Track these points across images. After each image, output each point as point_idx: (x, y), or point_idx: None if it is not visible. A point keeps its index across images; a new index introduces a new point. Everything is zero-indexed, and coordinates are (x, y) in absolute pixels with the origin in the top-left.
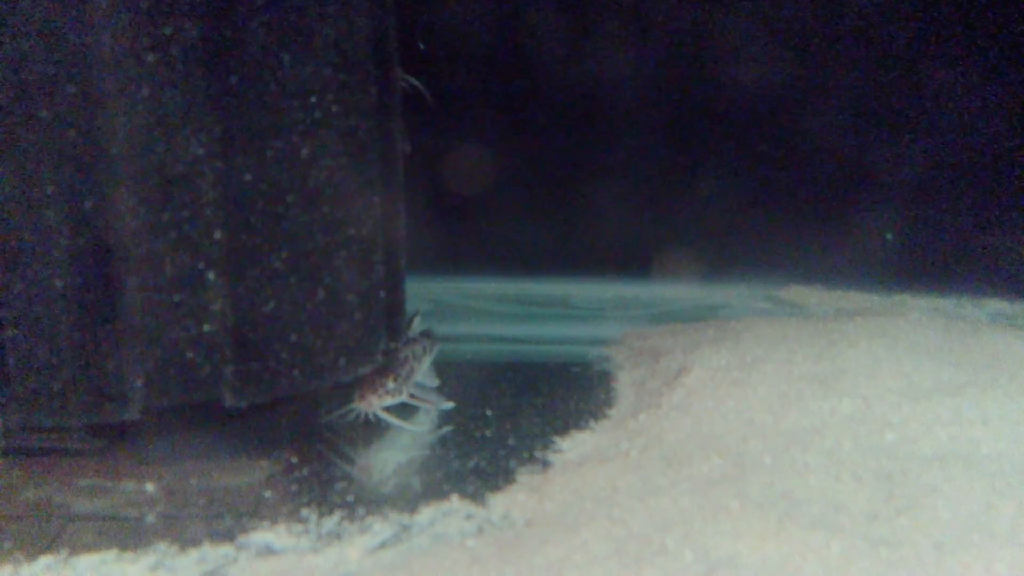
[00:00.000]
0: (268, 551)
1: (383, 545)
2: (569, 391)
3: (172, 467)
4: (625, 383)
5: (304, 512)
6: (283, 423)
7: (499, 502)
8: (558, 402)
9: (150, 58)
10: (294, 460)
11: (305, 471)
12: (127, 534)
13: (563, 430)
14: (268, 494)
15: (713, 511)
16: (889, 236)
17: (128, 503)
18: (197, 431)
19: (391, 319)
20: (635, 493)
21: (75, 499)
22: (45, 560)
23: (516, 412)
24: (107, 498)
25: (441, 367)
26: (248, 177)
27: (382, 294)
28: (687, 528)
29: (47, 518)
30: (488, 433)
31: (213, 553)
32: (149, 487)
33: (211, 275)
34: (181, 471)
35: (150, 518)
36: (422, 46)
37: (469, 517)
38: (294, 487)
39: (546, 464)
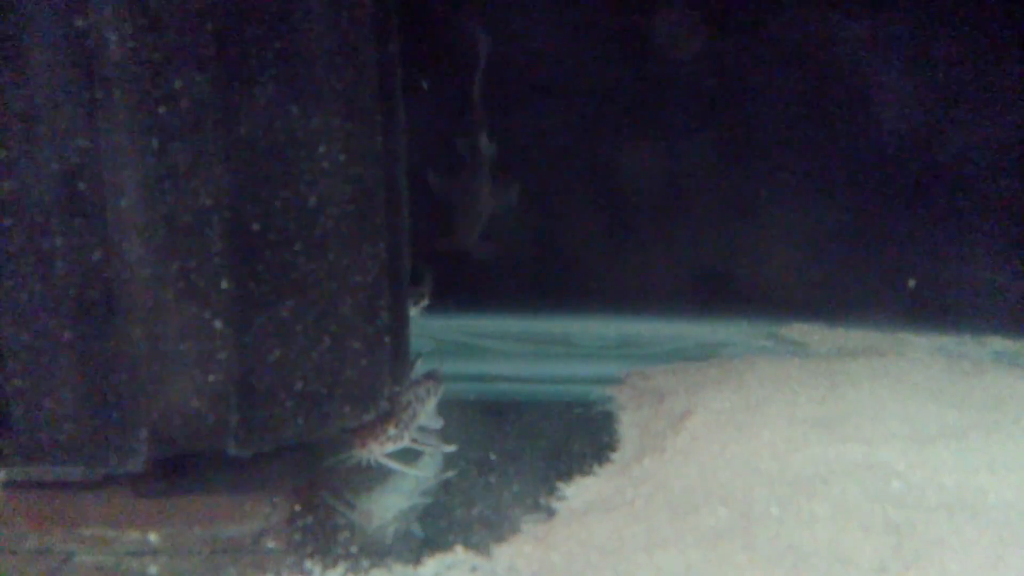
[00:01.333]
0: None
1: None
2: (572, 433)
3: (174, 516)
4: (628, 425)
5: (308, 564)
6: (285, 470)
7: (504, 553)
8: (562, 445)
9: (160, 110)
10: (297, 508)
11: (308, 519)
12: None
13: (567, 475)
14: (271, 544)
15: (720, 565)
16: (912, 283)
17: (131, 553)
18: (199, 478)
19: (395, 364)
20: (641, 545)
21: (78, 548)
22: None
23: (519, 456)
24: (110, 548)
25: (443, 407)
26: (256, 227)
27: (387, 340)
28: None
29: (51, 568)
30: (492, 479)
31: None
32: (152, 537)
33: (218, 324)
34: (183, 520)
35: (153, 569)
36: (425, 85)
37: (474, 570)
38: (297, 536)
39: (551, 512)
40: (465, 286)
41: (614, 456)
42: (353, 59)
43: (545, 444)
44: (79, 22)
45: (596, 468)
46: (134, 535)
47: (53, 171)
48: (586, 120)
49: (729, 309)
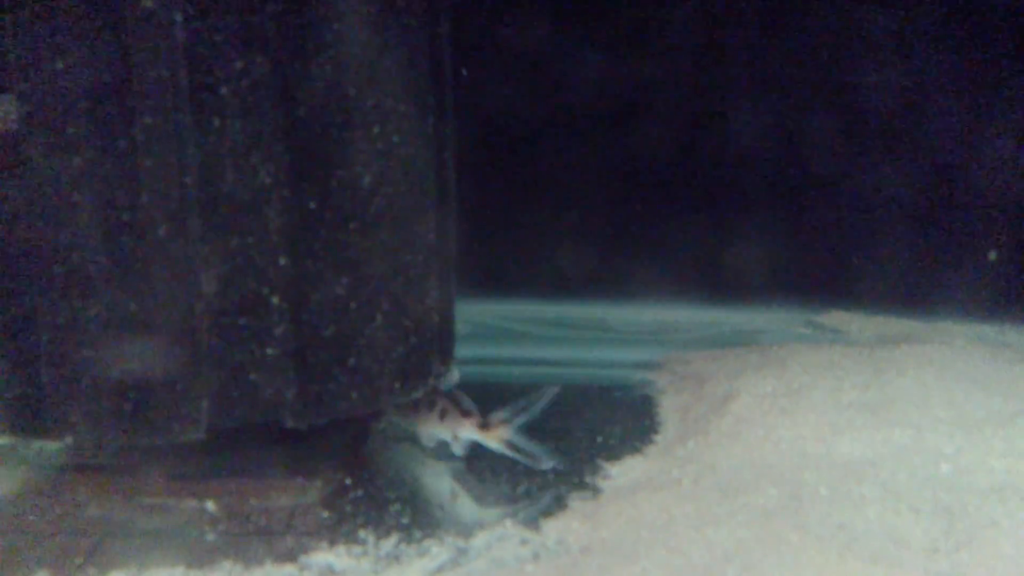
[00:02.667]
0: (330, 572)
1: (441, 568)
2: (613, 416)
3: (230, 486)
4: (669, 408)
5: (362, 533)
6: (334, 445)
7: (553, 528)
8: (603, 427)
9: (223, 91)
10: (348, 481)
11: (359, 492)
12: (191, 552)
13: (611, 456)
14: (325, 515)
15: (772, 543)
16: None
17: (189, 521)
18: (252, 451)
19: (443, 343)
20: (691, 523)
21: (138, 516)
22: (117, 574)
23: (563, 436)
24: (169, 516)
25: (484, 389)
26: (313, 205)
27: (436, 318)
28: (747, 560)
29: (112, 534)
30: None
31: (277, 572)
32: (209, 506)
33: (275, 300)
34: (239, 490)
35: (211, 536)
36: (464, 72)
37: (524, 542)
38: (349, 508)
39: (596, 490)
40: (501, 272)
41: (656, 438)
42: (406, 41)
43: (587, 426)
44: (147, 2)
45: (640, 449)
46: (192, 504)
47: (120, 148)
48: (620, 105)
49: (765, 296)
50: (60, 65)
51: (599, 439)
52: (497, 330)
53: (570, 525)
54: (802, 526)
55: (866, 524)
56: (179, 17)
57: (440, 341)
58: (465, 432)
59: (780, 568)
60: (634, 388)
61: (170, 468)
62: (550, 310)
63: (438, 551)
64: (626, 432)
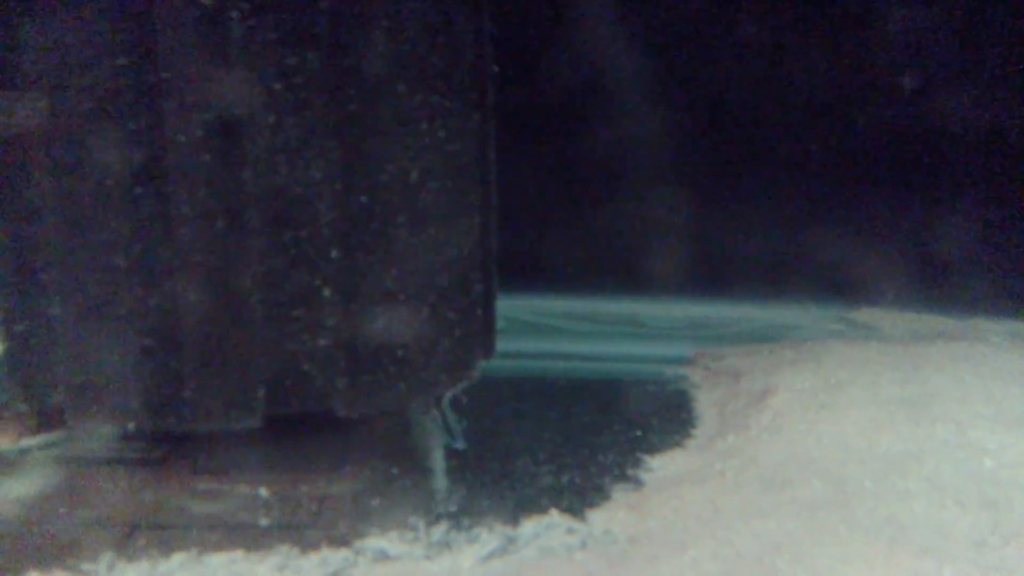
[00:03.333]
0: (384, 556)
1: (492, 555)
2: (649, 410)
3: (282, 473)
4: (705, 403)
5: (412, 520)
6: (379, 434)
7: (599, 518)
8: (640, 420)
9: (276, 86)
10: (394, 471)
11: (407, 481)
12: (247, 536)
13: (650, 449)
14: (375, 502)
15: (820, 535)
16: None
17: (243, 507)
18: (300, 440)
19: (485, 336)
20: (738, 514)
21: (192, 502)
22: (178, 557)
23: (600, 429)
24: (223, 502)
25: (519, 383)
26: (363, 199)
27: (479, 312)
28: (796, 551)
29: (168, 519)
30: (576, 450)
31: (333, 556)
32: (262, 491)
33: (327, 292)
34: (290, 477)
35: (264, 521)
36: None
37: (571, 531)
38: (398, 496)
39: (639, 482)
40: (532, 267)
41: (695, 432)
42: (452, 37)
43: (624, 419)
44: (207, 0)
45: (679, 443)
46: (245, 489)
47: (180, 143)
48: (649, 100)
49: (797, 292)
50: (123, 62)
51: (638, 432)
52: (526, 325)
53: (616, 515)
54: (849, 519)
55: (913, 518)
56: (235, 14)
57: (483, 335)
58: None
59: (830, 560)
60: (668, 383)
61: (220, 455)
62: (580, 305)
63: (487, 538)
64: (664, 426)
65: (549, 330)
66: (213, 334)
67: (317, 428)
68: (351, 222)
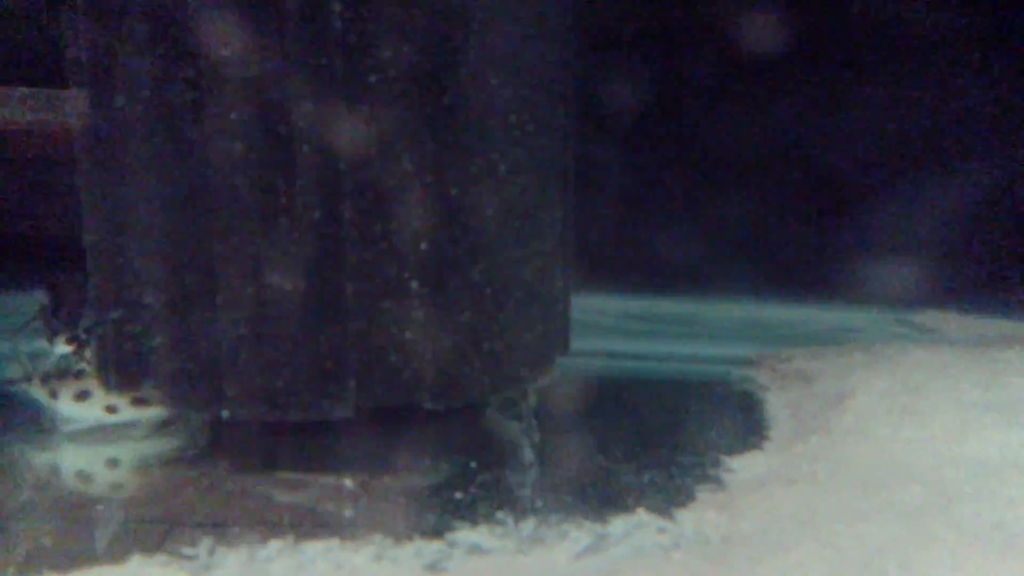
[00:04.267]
0: (478, 549)
1: (585, 552)
2: (720, 410)
3: (364, 464)
4: (777, 405)
5: (499, 515)
6: (454, 427)
7: (688, 518)
8: (712, 421)
9: (372, 79)
10: (473, 465)
11: (487, 476)
12: (338, 526)
13: (727, 450)
14: (459, 495)
15: (926, 540)
16: None
17: (327, 497)
18: (379, 433)
19: (564, 331)
20: (837, 517)
21: (276, 491)
22: (275, 545)
23: (674, 429)
24: (307, 491)
25: (584, 381)
26: (453, 192)
27: (560, 307)
28: (903, 556)
29: (255, 506)
30: (652, 449)
31: (427, 548)
32: (347, 482)
33: (415, 284)
34: (373, 468)
35: (348, 512)
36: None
37: (661, 531)
38: (481, 491)
39: (721, 483)
40: (584, 266)
41: (771, 434)
42: (542, 30)
43: (697, 420)
44: None
45: (757, 444)
46: (329, 480)
47: (280, 135)
48: (714, 101)
49: (854, 294)
50: (227, 53)
51: (712, 433)
52: (581, 324)
53: (705, 515)
54: (955, 524)
55: (1020, 523)
56: (337, 7)
57: (561, 330)
58: None
59: (939, 566)
60: (734, 384)
61: (302, 445)
62: (636, 304)
63: (578, 535)
64: (737, 427)
65: (604, 329)
66: (307, 325)
67: (393, 421)
68: (440, 215)
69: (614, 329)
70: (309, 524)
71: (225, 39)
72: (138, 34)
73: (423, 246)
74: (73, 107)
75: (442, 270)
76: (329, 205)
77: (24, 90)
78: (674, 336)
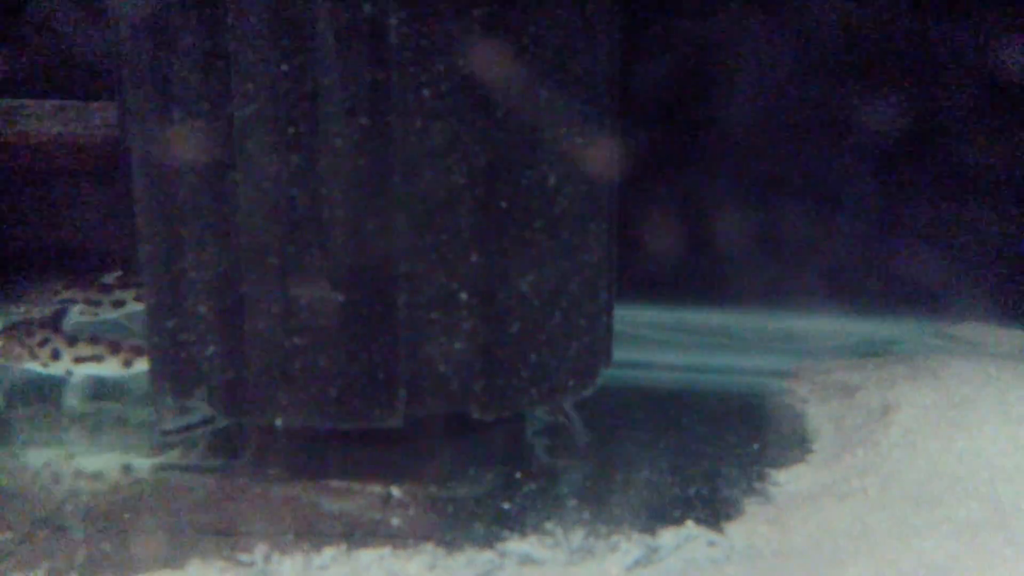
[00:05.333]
0: (529, 560)
1: (637, 564)
2: (759, 422)
3: (411, 474)
4: (819, 417)
5: (548, 526)
6: (497, 438)
7: (738, 531)
8: (754, 433)
9: (425, 92)
10: (517, 475)
11: (532, 486)
12: (388, 535)
13: (772, 463)
14: (506, 506)
15: (985, 557)
16: None
17: (374, 506)
18: (424, 443)
19: (608, 343)
20: (891, 532)
21: (324, 498)
22: (329, 552)
23: (716, 442)
24: (354, 500)
25: (623, 392)
26: (504, 204)
27: (604, 318)
28: (963, 573)
29: (300, 515)
30: (694, 461)
31: (479, 558)
32: (394, 491)
33: (464, 295)
34: (419, 479)
35: (395, 521)
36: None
37: (712, 544)
38: (527, 501)
39: (768, 496)
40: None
41: (815, 447)
42: (591, 44)
43: (737, 432)
44: (367, 8)
45: (801, 457)
46: (376, 489)
47: (337, 147)
48: (761, 111)
49: (891, 306)
50: (285, 68)
51: (755, 445)
52: (615, 335)
53: (756, 529)
54: (1014, 541)
55: None
56: (394, 21)
57: (606, 342)
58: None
59: None
60: (772, 396)
61: (350, 454)
62: (667, 316)
63: (628, 547)
64: (779, 439)
65: (638, 340)
66: (360, 335)
67: (436, 431)
68: (490, 226)
69: (645, 340)
70: (360, 532)
71: (285, 54)
72: (195, 51)
73: (473, 257)
74: (124, 121)
75: (491, 281)
76: (382, 217)
77: (55, 103)
78: (707, 347)
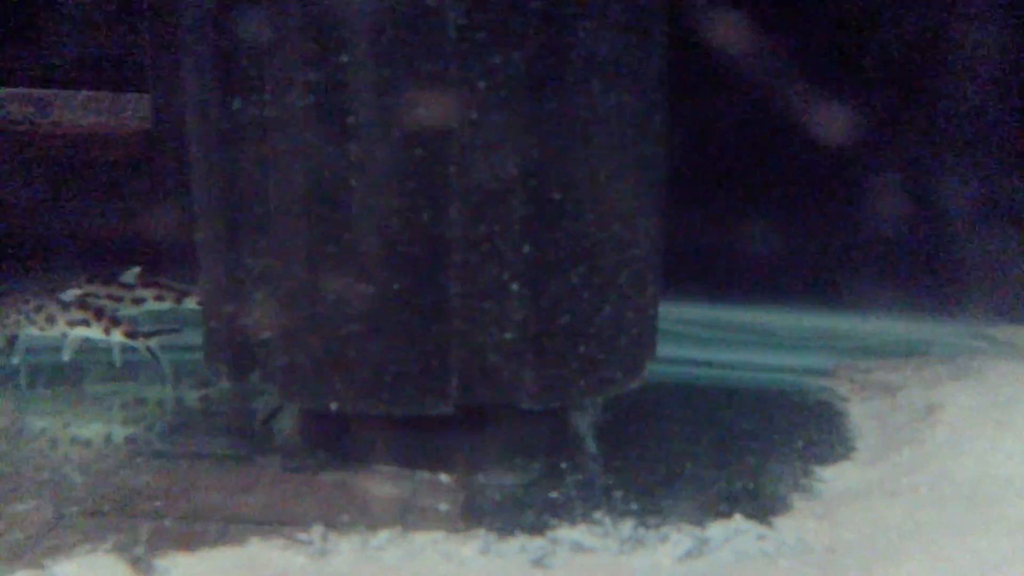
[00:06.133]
0: (580, 548)
1: (688, 555)
2: (800, 420)
3: (458, 461)
4: (861, 416)
5: (597, 515)
6: (541, 428)
7: (787, 526)
8: (796, 430)
9: (481, 84)
10: (563, 465)
11: (578, 476)
12: (439, 519)
13: (817, 460)
14: (554, 495)
15: None
16: None
17: (423, 491)
18: (470, 431)
19: (653, 337)
20: (945, 530)
21: (372, 483)
22: (385, 533)
23: (759, 438)
24: (403, 484)
25: (663, 387)
26: (556, 196)
27: (651, 312)
28: (1019, 572)
29: (348, 497)
30: (738, 456)
31: (530, 544)
32: (443, 477)
33: (515, 286)
34: (467, 465)
35: (443, 506)
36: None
37: (761, 538)
38: (574, 491)
39: (815, 493)
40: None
41: (859, 444)
42: (643, 38)
43: (779, 428)
44: (429, 1)
45: (845, 455)
46: (426, 475)
47: (395, 137)
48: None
49: (929, 307)
50: (345, 59)
51: (799, 442)
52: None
53: (805, 524)
54: None
55: None
56: (452, 13)
57: (651, 334)
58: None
59: None
60: (812, 394)
61: (403, 438)
62: (706, 312)
63: (678, 538)
64: (822, 437)
65: (678, 336)
66: (414, 323)
67: (485, 419)
68: (542, 218)
69: (685, 336)
70: (412, 516)
71: (342, 45)
72: (257, 41)
73: (525, 249)
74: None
75: (543, 273)
76: (437, 207)
77: (87, 94)
78: (746, 345)
